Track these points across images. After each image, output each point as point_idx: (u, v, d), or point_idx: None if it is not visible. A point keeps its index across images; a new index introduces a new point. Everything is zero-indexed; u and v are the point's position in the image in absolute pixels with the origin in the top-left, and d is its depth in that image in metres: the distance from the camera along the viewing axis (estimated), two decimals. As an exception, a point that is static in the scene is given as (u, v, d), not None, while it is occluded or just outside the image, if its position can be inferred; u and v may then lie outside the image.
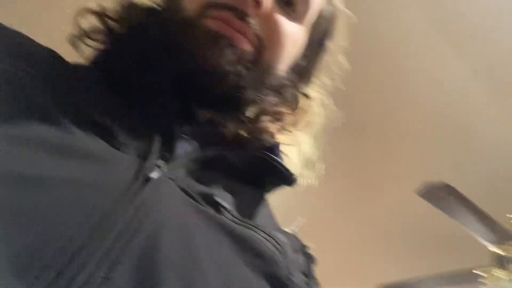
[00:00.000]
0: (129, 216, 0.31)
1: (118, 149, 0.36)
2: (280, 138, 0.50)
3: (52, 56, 0.42)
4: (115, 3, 0.48)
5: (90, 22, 0.47)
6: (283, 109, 0.48)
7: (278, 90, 0.48)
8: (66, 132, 0.34)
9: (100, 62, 0.47)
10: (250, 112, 0.45)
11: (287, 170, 0.47)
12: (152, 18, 0.46)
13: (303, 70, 0.54)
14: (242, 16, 0.43)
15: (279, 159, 0.47)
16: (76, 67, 0.44)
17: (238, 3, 0.43)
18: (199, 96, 0.43)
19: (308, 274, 0.45)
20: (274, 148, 0.48)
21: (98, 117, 0.37)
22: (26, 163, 0.30)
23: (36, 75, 0.36)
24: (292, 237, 0.47)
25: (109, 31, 0.47)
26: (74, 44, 0.47)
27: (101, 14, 0.47)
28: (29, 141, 0.31)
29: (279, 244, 0.40)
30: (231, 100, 0.44)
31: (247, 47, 0.44)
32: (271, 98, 0.46)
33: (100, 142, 0.35)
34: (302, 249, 0.47)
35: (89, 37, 0.47)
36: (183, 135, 0.41)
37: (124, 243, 0.30)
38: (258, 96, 0.45)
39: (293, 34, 0.48)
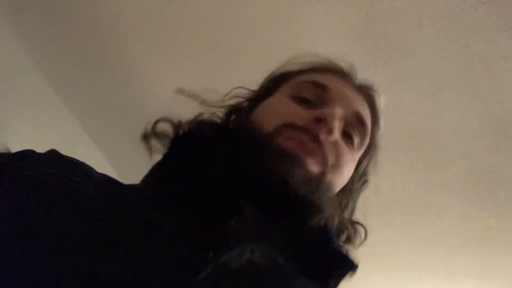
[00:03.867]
0: None
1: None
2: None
3: (106, 178, 0.45)
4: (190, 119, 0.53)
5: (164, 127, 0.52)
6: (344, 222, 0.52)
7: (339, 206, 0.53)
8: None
9: (164, 164, 0.50)
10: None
11: (348, 256, 0.48)
12: (224, 131, 0.51)
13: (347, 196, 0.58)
14: (315, 139, 0.47)
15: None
16: (129, 186, 0.47)
17: (313, 127, 0.47)
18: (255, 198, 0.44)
19: None
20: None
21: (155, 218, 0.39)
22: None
23: (97, 188, 0.40)
24: None
25: (176, 138, 0.50)
26: (144, 140, 0.52)
27: (176, 125, 0.51)
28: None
29: None
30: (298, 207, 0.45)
31: (314, 168, 0.47)
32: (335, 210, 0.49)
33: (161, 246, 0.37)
34: None
35: (157, 138, 0.51)
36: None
37: None
38: (323, 206, 0.46)
39: (353, 161, 0.54)
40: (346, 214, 0.56)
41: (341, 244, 0.50)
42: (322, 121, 0.47)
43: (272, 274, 0.41)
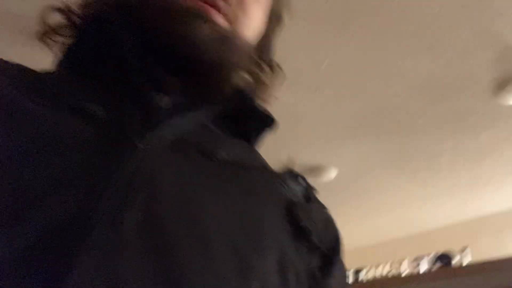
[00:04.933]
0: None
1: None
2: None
3: (22, 69, 0.44)
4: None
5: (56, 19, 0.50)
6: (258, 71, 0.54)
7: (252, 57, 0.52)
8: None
9: (70, 55, 0.49)
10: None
11: (267, 113, 0.51)
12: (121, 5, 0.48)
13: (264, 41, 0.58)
14: None
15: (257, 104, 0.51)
16: (45, 73, 0.46)
17: None
18: (169, 66, 0.45)
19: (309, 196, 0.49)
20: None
21: (79, 103, 0.39)
22: None
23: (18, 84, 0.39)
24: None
25: (74, 25, 0.49)
26: (42, 41, 0.49)
27: (65, 11, 0.49)
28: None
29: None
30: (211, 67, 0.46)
31: (223, 23, 0.46)
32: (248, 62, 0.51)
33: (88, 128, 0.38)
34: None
35: (56, 33, 0.49)
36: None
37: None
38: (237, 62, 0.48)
39: (260, 6, 0.52)
40: (264, 58, 0.57)
41: (259, 103, 0.52)
42: None
43: (208, 138, 0.45)
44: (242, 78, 0.51)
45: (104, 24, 0.45)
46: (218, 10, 0.46)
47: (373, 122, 2.31)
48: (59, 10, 0.49)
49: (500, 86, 2.09)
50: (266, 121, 0.51)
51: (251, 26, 0.51)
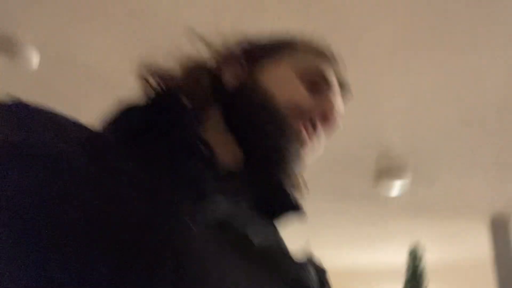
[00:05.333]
0: None
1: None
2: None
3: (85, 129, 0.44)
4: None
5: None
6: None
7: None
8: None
9: (134, 117, 0.50)
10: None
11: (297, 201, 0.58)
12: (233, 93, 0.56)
13: None
14: (317, 132, 0.56)
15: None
16: (105, 134, 0.47)
17: (317, 120, 0.56)
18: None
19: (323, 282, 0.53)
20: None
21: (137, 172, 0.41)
22: None
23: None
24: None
25: (153, 89, 0.52)
26: (141, 77, 0.53)
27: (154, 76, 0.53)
28: None
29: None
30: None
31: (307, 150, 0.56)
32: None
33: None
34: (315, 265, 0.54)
35: (159, 77, 0.53)
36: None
37: None
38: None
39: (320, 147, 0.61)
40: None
41: (294, 195, 0.59)
42: (325, 118, 0.56)
43: (246, 221, 0.48)
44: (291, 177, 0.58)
45: (182, 108, 0.49)
46: (311, 142, 0.56)
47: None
48: (162, 77, 0.53)
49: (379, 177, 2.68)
50: (297, 209, 0.57)
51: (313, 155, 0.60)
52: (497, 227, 3.16)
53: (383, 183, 2.74)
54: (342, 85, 0.61)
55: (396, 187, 2.78)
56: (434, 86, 2.07)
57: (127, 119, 0.48)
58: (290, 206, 0.57)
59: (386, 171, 2.67)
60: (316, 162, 0.59)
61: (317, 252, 0.53)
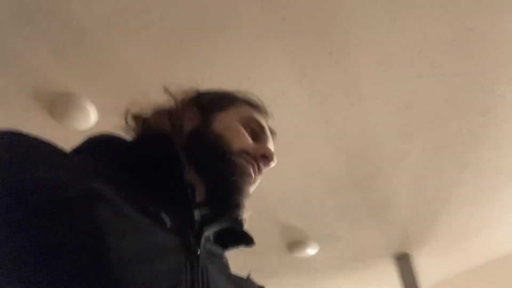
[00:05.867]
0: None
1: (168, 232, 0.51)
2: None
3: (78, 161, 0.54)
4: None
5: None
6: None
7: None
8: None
9: (129, 156, 0.59)
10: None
11: (250, 236, 0.70)
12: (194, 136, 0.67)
13: None
14: (260, 170, 0.69)
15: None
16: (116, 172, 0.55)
17: (260, 160, 0.69)
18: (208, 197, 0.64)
19: None
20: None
21: (149, 207, 0.51)
22: None
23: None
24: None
25: (141, 130, 0.66)
26: (126, 117, 0.67)
27: (143, 119, 0.68)
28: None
29: None
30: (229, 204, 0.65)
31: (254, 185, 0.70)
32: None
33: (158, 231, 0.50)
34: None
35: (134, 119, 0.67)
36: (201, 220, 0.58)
37: None
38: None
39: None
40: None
41: (245, 228, 0.69)
42: (265, 158, 0.70)
43: (214, 249, 0.63)
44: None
45: (171, 147, 0.58)
46: (256, 178, 0.69)
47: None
48: (139, 118, 0.67)
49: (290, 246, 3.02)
50: (247, 240, 0.69)
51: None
52: (402, 263, 3.51)
53: (297, 251, 3.08)
54: (272, 132, 0.76)
55: (308, 253, 3.10)
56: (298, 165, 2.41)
57: (111, 148, 0.58)
58: (243, 237, 0.69)
59: (295, 243, 3.03)
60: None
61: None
